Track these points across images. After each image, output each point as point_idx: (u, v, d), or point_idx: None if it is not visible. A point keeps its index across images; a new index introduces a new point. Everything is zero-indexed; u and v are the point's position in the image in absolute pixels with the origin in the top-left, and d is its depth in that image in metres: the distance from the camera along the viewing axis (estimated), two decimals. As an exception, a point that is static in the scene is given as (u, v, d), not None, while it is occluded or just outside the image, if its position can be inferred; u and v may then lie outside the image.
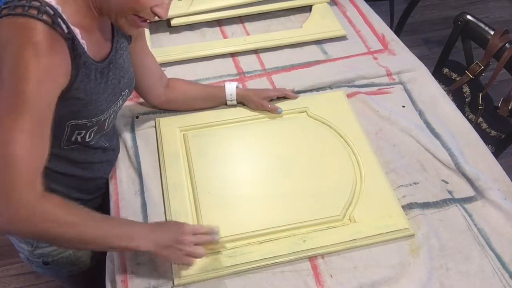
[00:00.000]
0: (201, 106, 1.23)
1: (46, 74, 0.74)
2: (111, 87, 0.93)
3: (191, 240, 0.87)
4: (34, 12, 0.74)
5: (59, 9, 0.78)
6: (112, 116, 0.98)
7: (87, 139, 0.95)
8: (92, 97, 0.87)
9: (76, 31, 0.81)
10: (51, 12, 0.76)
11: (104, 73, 0.90)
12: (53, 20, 0.76)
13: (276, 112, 1.21)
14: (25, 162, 0.72)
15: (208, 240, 0.91)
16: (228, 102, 1.23)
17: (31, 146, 0.73)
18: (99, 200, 1.10)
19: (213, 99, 1.23)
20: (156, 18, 0.85)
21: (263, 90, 1.25)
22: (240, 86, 1.24)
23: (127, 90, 1.00)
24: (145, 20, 0.85)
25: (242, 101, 1.23)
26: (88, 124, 0.90)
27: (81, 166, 1.00)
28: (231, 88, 1.21)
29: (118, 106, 0.99)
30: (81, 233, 0.79)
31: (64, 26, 0.78)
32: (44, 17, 0.75)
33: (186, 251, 0.87)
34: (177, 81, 1.20)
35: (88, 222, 0.80)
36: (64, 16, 0.78)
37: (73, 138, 0.91)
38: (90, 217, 0.81)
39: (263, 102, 1.21)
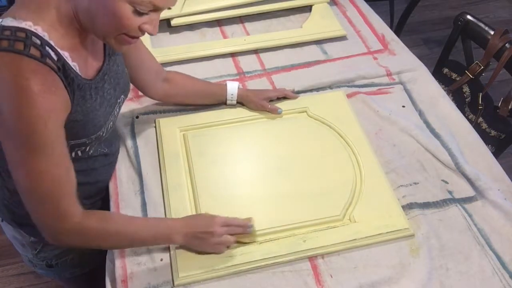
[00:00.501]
0: (200, 102, 1.23)
1: (47, 113, 0.74)
2: (107, 99, 0.92)
3: (223, 231, 0.92)
4: (21, 46, 0.71)
5: (46, 36, 0.75)
6: (110, 125, 0.98)
7: (86, 151, 0.95)
8: (89, 116, 0.87)
9: (66, 55, 0.78)
10: (38, 42, 0.74)
11: (99, 87, 0.88)
12: (41, 52, 0.73)
13: (276, 112, 1.21)
14: (60, 190, 0.79)
15: (241, 233, 0.95)
16: (228, 102, 1.23)
17: (59, 177, 0.79)
18: (99, 203, 1.10)
19: (213, 97, 1.23)
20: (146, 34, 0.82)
21: (263, 91, 1.25)
22: (241, 86, 1.24)
23: (122, 96, 0.99)
24: (134, 37, 0.81)
25: (241, 101, 1.23)
26: (87, 142, 0.91)
27: (83, 174, 0.99)
28: (233, 88, 1.21)
29: (115, 115, 0.98)
30: (121, 241, 0.90)
31: (53, 54, 0.75)
32: (32, 51, 0.72)
33: (217, 240, 0.92)
34: (177, 75, 1.19)
35: (127, 229, 0.88)
36: (51, 43, 0.76)
37: (73, 155, 0.92)
38: (128, 223, 0.90)
39: (263, 103, 1.21)
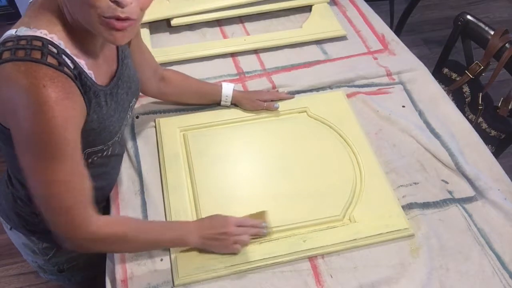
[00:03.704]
0: (195, 102, 1.23)
1: (65, 121, 0.72)
2: (121, 104, 0.92)
3: (237, 231, 0.93)
4: (38, 55, 0.70)
5: (61, 44, 0.74)
6: (123, 129, 0.97)
7: (103, 157, 0.94)
8: (105, 123, 0.86)
9: (82, 63, 0.77)
10: (55, 50, 0.72)
11: (113, 93, 0.88)
12: (58, 61, 0.72)
13: (273, 107, 1.22)
14: (77, 198, 0.79)
15: (257, 232, 0.96)
16: (222, 103, 1.23)
17: (75, 185, 0.78)
18: (101, 211, 1.09)
19: (207, 97, 1.23)
20: (123, 13, 0.72)
21: (257, 93, 1.25)
22: (236, 88, 1.24)
23: (134, 99, 0.99)
24: (117, 19, 0.72)
25: (236, 103, 1.23)
26: (104, 148, 0.91)
27: (97, 178, 0.97)
28: (227, 89, 1.21)
29: (127, 119, 0.98)
30: (139, 245, 0.91)
31: (69, 62, 0.74)
32: (49, 59, 0.71)
33: (232, 240, 0.93)
34: (173, 74, 1.19)
35: (144, 234, 0.89)
36: (67, 51, 0.74)
37: (90, 161, 0.91)
38: (145, 228, 0.91)
39: (258, 102, 1.21)
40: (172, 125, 1.19)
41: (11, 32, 0.73)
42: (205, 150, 1.13)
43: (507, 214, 1.03)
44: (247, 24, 1.54)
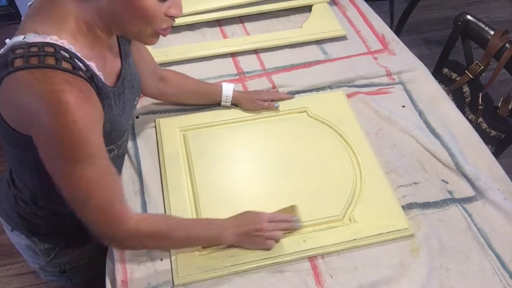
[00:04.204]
0: (194, 102, 1.23)
1: (88, 123, 0.73)
2: (127, 103, 0.92)
3: (270, 227, 0.94)
4: (52, 61, 0.69)
5: (72, 49, 0.74)
6: (129, 127, 0.98)
7: (110, 158, 0.94)
8: (115, 123, 0.86)
9: (93, 66, 0.77)
10: (67, 55, 0.72)
11: (120, 93, 0.88)
12: (72, 65, 0.72)
13: (273, 107, 1.22)
14: (112, 196, 0.80)
15: (289, 227, 0.97)
16: (222, 103, 1.23)
17: (109, 184, 0.79)
18: None
19: (207, 97, 1.23)
20: (173, 22, 0.81)
21: (257, 92, 1.25)
22: (236, 88, 1.24)
23: (137, 97, 0.99)
24: (166, 28, 0.81)
25: (236, 103, 1.23)
26: (114, 148, 0.91)
27: None
28: (228, 90, 1.21)
29: (132, 116, 0.98)
30: (175, 242, 0.92)
31: (82, 65, 0.74)
32: (64, 64, 0.70)
33: (265, 236, 0.93)
34: (173, 74, 1.19)
35: (180, 231, 0.90)
36: (78, 55, 0.74)
37: None
38: (181, 226, 0.91)
39: (259, 102, 1.21)
40: (172, 125, 1.19)
41: (18, 38, 0.72)
42: (205, 150, 1.13)
43: (507, 214, 1.03)
44: (247, 24, 1.54)
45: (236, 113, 1.23)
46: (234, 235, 0.93)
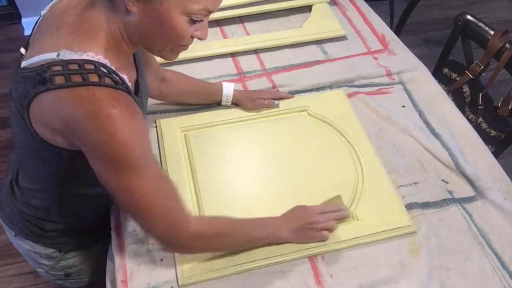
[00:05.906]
0: (195, 101, 1.24)
1: (139, 135, 0.74)
2: (145, 109, 0.93)
3: (322, 219, 0.95)
4: (95, 78, 0.70)
5: (108, 64, 0.75)
6: None
7: None
8: None
9: (125, 78, 0.78)
10: (106, 70, 0.73)
11: (141, 101, 0.89)
12: (113, 80, 0.73)
13: (273, 105, 1.22)
14: (171, 201, 0.81)
15: (339, 216, 0.98)
16: (223, 103, 1.23)
17: (165, 189, 0.80)
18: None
19: (207, 97, 1.23)
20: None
21: (257, 92, 1.26)
22: (237, 87, 1.24)
23: (147, 102, 1.00)
24: (186, 46, 0.83)
25: (236, 103, 1.24)
26: None
27: None
28: (228, 89, 1.21)
29: None
30: (234, 243, 0.93)
31: (118, 79, 0.75)
32: (106, 80, 0.71)
33: (319, 227, 0.95)
34: (173, 74, 1.19)
35: (238, 231, 0.91)
36: (113, 68, 0.75)
37: None
38: (238, 226, 0.91)
39: (259, 101, 1.22)
40: (173, 126, 1.19)
41: (51, 56, 0.72)
42: (207, 150, 1.13)
43: (507, 214, 1.03)
44: (247, 24, 1.54)
45: (236, 113, 1.23)
46: (290, 232, 0.94)
